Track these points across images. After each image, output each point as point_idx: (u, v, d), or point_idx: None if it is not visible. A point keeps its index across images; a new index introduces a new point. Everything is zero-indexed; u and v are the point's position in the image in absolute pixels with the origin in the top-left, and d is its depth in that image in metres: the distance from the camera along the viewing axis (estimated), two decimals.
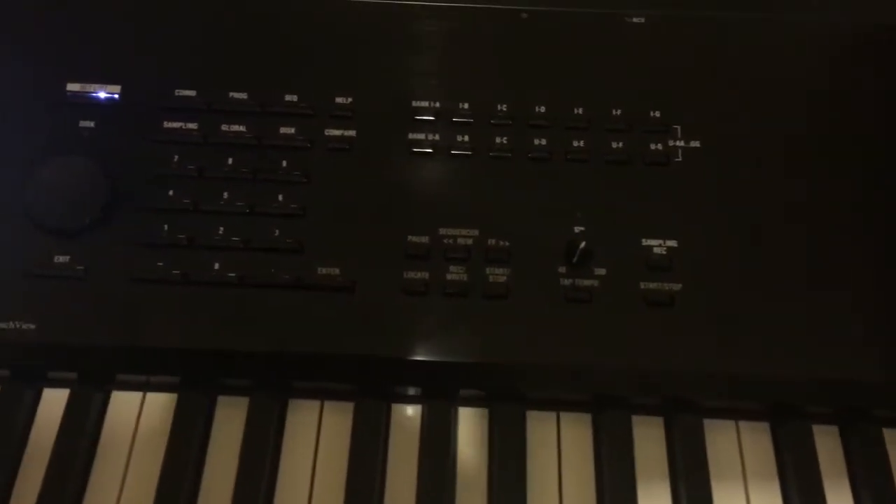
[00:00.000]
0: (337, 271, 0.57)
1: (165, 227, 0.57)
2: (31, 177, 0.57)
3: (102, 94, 0.60)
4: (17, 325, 0.55)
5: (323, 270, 0.57)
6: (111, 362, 0.57)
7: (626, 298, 0.56)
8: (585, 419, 0.58)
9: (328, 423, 0.57)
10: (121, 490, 0.55)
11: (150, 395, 0.58)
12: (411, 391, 0.58)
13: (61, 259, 0.56)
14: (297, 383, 0.58)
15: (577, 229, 0.58)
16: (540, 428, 0.57)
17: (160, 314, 0.56)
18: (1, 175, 0.58)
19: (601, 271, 0.57)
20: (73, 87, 0.60)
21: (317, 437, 0.57)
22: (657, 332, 0.56)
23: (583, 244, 0.55)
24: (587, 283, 0.57)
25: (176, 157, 0.59)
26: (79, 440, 0.55)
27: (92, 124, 0.59)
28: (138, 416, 0.57)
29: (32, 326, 0.55)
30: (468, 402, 0.58)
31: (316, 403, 0.58)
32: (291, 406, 0.58)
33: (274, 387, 0.57)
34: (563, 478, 0.56)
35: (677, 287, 0.56)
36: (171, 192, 0.58)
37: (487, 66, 0.62)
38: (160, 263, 0.56)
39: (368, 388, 0.57)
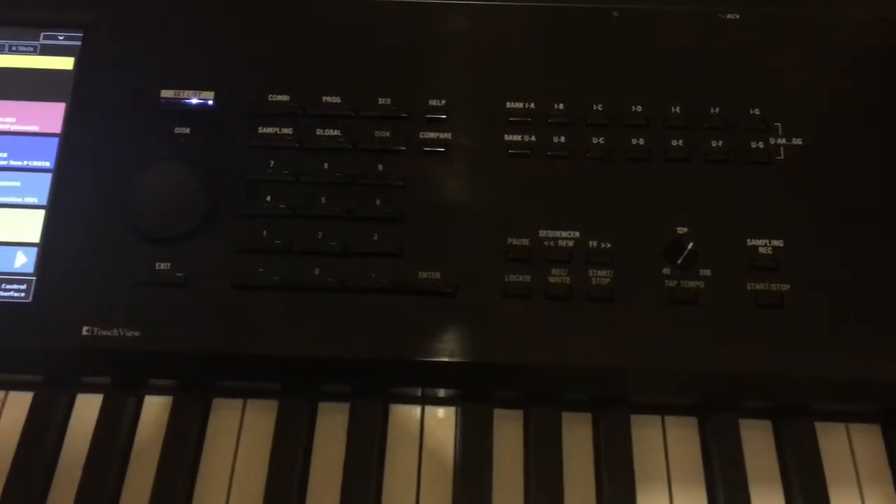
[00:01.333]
0: (437, 275, 0.56)
1: (264, 232, 0.57)
2: (132, 185, 0.57)
3: (196, 101, 0.60)
4: (122, 333, 0.55)
5: (423, 275, 0.56)
6: (212, 370, 0.56)
7: (733, 300, 0.55)
8: (691, 423, 0.57)
9: (430, 427, 0.57)
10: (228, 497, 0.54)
11: (251, 402, 0.57)
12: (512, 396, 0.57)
13: (162, 266, 0.56)
14: (397, 389, 0.57)
15: (679, 230, 0.57)
16: (646, 433, 0.56)
17: (261, 321, 0.55)
18: (101, 183, 0.58)
19: (706, 272, 0.56)
20: (167, 93, 0.60)
21: (420, 442, 0.56)
22: (766, 335, 0.54)
23: (691, 245, 0.54)
24: (693, 284, 0.55)
25: (272, 163, 0.58)
26: (183, 448, 0.55)
27: (187, 130, 0.59)
28: (240, 423, 0.57)
29: (137, 334, 0.55)
30: (571, 407, 0.57)
31: (417, 409, 0.57)
32: (392, 411, 0.57)
33: (374, 392, 0.57)
34: (672, 482, 0.55)
35: (786, 287, 0.55)
36: (268, 198, 0.58)
37: (580, 66, 0.61)
38: (260, 269, 0.56)
39: (470, 392, 0.57)
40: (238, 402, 0.57)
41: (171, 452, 0.54)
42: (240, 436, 0.56)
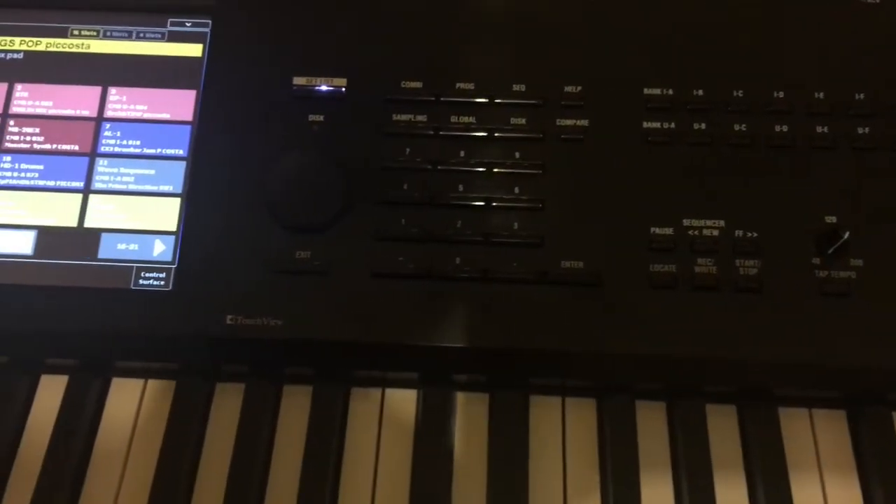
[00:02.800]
0: (581, 265, 0.55)
1: (403, 221, 0.56)
2: (270, 174, 0.57)
3: (329, 88, 0.59)
4: (265, 321, 0.54)
5: (567, 264, 0.55)
6: (351, 359, 0.56)
7: (887, 291, 0.54)
8: (839, 416, 0.56)
9: (572, 420, 0.56)
10: (374, 487, 0.54)
11: (389, 392, 0.57)
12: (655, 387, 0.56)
13: (302, 255, 0.56)
14: (536, 380, 0.56)
15: (828, 219, 0.55)
16: (792, 425, 0.55)
17: (402, 309, 0.55)
18: (237, 171, 0.58)
19: (857, 262, 0.54)
20: (299, 80, 0.60)
21: (563, 435, 0.56)
22: None
23: (846, 235, 0.53)
24: (844, 275, 0.54)
25: (407, 150, 0.58)
26: (329, 440, 0.55)
27: (321, 118, 0.59)
28: (380, 413, 0.56)
29: (279, 322, 0.54)
30: (714, 399, 0.56)
31: (557, 400, 0.57)
32: (532, 402, 0.56)
33: (514, 384, 0.56)
34: (824, 474, 0.54)
35: None
36: (405, 186, 0.57)
37: (717, 52, 0.60)
38: (400, 258, 0.55)
39: (611, 384, 0.56)
40: (377, 392, 0.57)
41: (316, 442, 0.54)
42: (381, 425, 0.56)
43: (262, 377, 0.57)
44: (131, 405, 0.57)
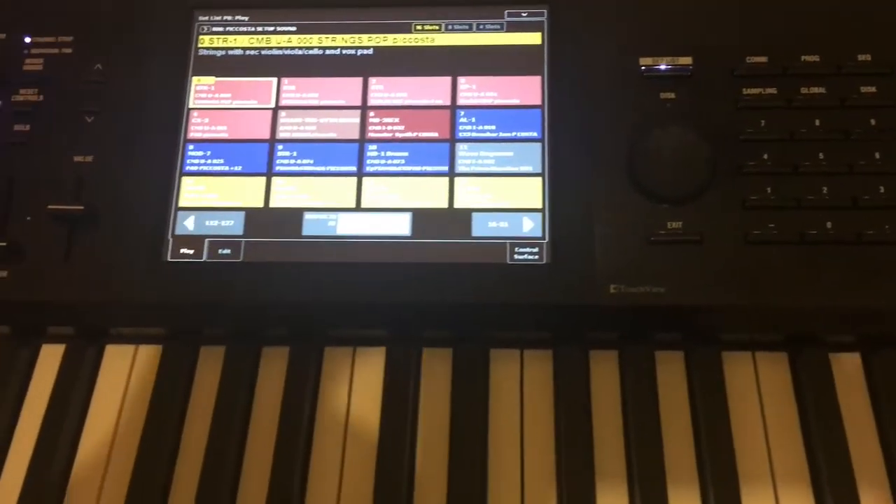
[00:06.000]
0: None
1: (768, 189, 0.58)
2: (637, 150, 0.59)
3: (675, 66, 0.62)
4: (648, 289, 0.57)
5: None
6: (723, 323, 0.59)
7: None
8: None
9: None
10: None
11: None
12: None
13: (674, 225, 0.58)
14: None
15: None
16: None
17: (779, 274, 0.57)
18: (596, 149, 0.61)
19: None
20: (645, 61, 0.62)
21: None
22: None
23: None
24: None
25: (762, 122, 0.60)
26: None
27: (672, 95, 0.61)
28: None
29: (662, 290, 0.57)
30: None
31: None
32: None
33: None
34: None
35: None
36: (765, 156, 0.59)
37: None
38: (771, 225, 0.58)
39: None
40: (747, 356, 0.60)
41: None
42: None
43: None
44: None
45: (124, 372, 0.61)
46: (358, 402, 0.60)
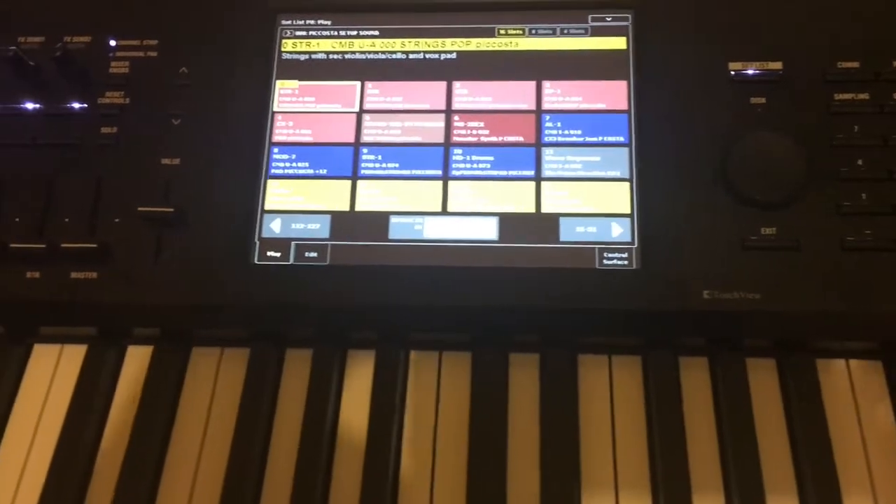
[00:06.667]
0: None
1: (863, 195, 0.58)
2: (731, 155, 0.59)
3: (765, 71, 0.61)
4: (743, 295, 0.57)
5: None
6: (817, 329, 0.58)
7: None
8: None
9: None
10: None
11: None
12: None
13: (768, 231, 0.58)
14: None
15: None
16: None
17: (875, 281, 0.56)
18: (685, 154, 0.60)
19: None
20: (735, 65, 0.62)
21: None
22: None
23: None
24: None
25: (856, 128, 0.59)
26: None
27: (763, 100, 0.61)
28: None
29: (757, 296, 0.57)
30: None
31: None
32: None
33: None
34: None
35: None
36: (859, 162, 0.59)
37: None
38: (867, 231, 0.57)
39: None
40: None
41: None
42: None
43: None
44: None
45: (210, 374, 0.61)
46: (446, 407, 0.60)
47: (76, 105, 0.65)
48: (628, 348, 0.61)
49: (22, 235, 0.61)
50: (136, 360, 0.62)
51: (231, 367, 0.62)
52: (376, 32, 0.66)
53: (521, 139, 0.63)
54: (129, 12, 0.67)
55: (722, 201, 0.59)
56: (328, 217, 0.62)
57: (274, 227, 0.62)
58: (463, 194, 0.62)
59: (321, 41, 0.66)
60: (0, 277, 0.60)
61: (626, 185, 0.61)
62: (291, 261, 0.61)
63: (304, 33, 0.67)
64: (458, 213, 0.62)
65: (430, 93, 0.65)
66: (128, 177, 0.62)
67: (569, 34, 0.65)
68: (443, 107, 0.64)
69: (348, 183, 0.63)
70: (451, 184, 0.62)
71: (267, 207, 0.63)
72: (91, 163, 0.63)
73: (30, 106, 0.65)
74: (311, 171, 0.63)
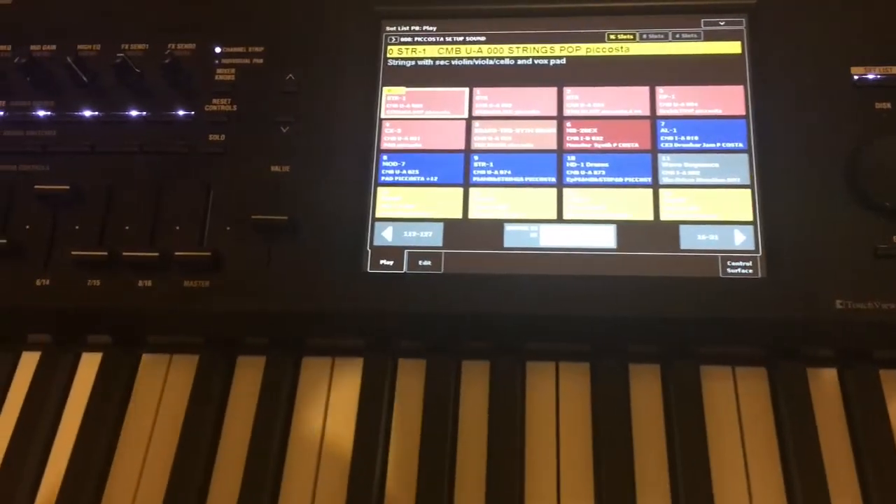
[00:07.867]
0: None
1: None
2: (862, 161, 0.57)
3: (889, 76, 0.60)
4: (877, 305, 0.55)
5: None
6: None
7: None
8: None
9: None
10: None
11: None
12: None
13: None
14: None
15: None
16: None
17: None
18: (808, 160, 0.59)
19: None
20: (857, 70, 0.61)
21: None
22: None
23: None
24: None
25: None
26: None
27: (888, 105, 0.59)
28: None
29: (892, 306, 0.55)
30: None
31: None
32: None
33: None
34: None
35: None
36: None
37: None
38: None
39: None
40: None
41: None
42: None
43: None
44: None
45: (324, 384, 0.61)
46: (565, 418, 0.58)
47: (182, 112, 0.64)
48: (751, 359, 0.59)
49: (134, 244, 0.60)
50: (249, 369, 0.61)
51: (343, 376, 0.61)
52: (483, 38, 0.66)
53: (636, 145, 0.62)
54: (233, 20, 0.66)
55: (850, 208, 0.57)
56: (441, 225, 0.61)
57: (386, 234, 0.61)
58: (578, 202, 0.61)
59: (427, 47, 0.66)
60: (111, 286, 0.60)
61: (748, 192, 0.60)
62: (405, 269, 0.60)
63: (409, 39, 0.66)
64: (574, 220, 0.60)
65: (540, 99, 0.64)
66: (237, 184, 0.62)
67: (681, 39, 0.64)
68: (554, 113, 0.63)
69: (460, 190, 0.62)
70: (565, 191, 0.61)
71: (378, 215, 0.62)
72: (200, 170, 0.62)
73: (134, 113, 0.65)
74: (421, 179, 0.62)
